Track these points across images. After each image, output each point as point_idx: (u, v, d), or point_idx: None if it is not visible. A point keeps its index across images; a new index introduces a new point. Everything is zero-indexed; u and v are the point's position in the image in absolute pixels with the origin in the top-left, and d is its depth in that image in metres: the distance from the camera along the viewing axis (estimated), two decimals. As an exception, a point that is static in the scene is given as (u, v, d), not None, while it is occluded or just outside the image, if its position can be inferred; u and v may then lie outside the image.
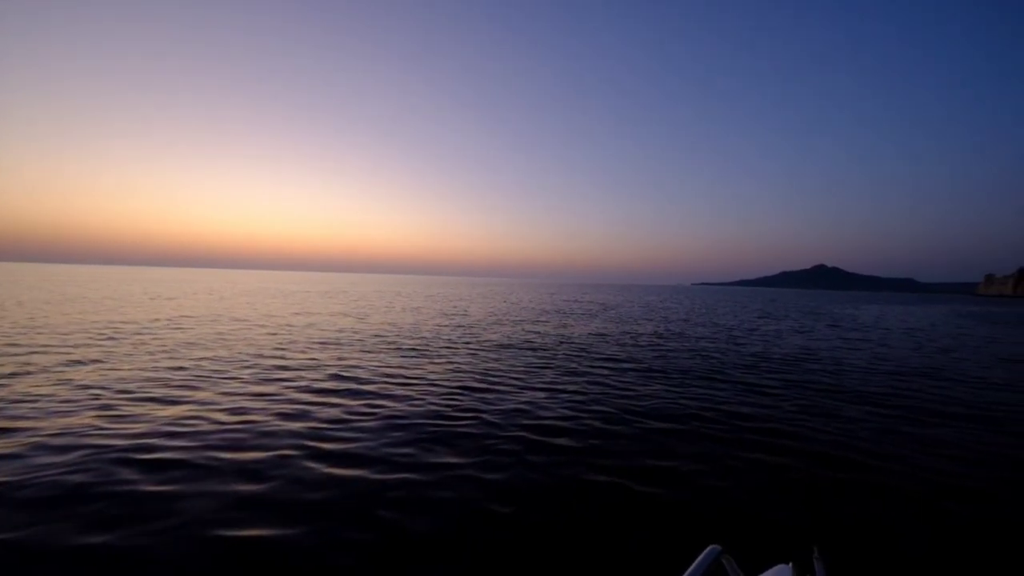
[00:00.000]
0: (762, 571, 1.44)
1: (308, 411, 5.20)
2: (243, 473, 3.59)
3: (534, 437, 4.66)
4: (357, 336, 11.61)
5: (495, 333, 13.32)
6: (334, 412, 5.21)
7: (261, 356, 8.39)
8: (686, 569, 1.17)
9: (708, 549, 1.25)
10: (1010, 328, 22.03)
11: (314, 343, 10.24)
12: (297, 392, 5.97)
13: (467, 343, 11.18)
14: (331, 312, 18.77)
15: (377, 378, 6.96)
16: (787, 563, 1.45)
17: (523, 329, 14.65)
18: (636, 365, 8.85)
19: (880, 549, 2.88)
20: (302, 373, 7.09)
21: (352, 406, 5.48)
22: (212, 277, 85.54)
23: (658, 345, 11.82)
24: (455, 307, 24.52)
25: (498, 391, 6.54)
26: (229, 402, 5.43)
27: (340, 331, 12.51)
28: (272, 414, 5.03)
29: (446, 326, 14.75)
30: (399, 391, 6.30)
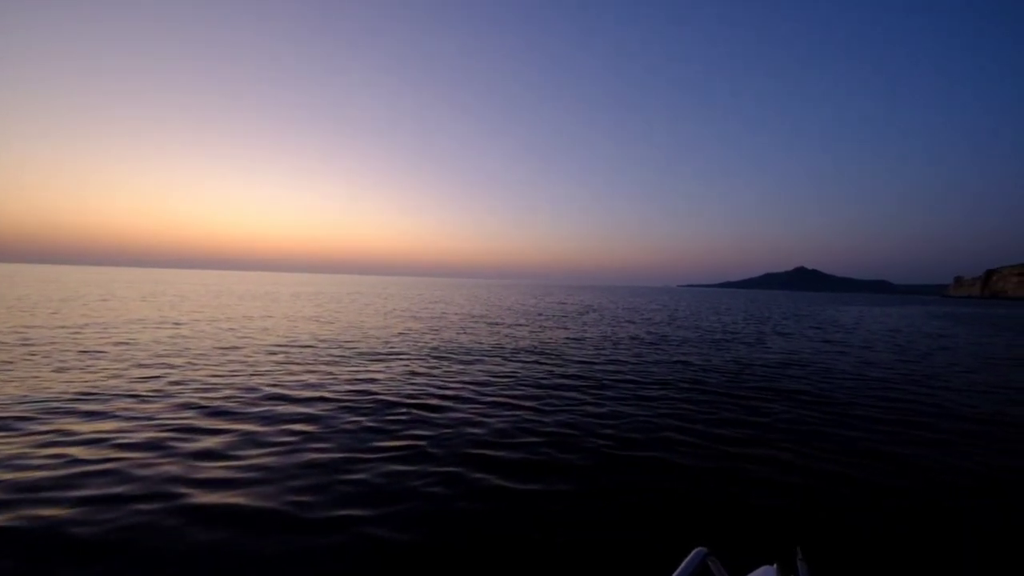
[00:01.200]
0: (747, 572, 1.42)
1: (199, 441, 4.22)
2: (57, 537, 2.63)
3: (475, 475, 3.80)
4: (308, 342, 10.56)
5: (467, 337, 12.43)
6: (232, 441, 4.25)
7: (181, 368, 7.32)
8: (673, 571, 1.18)
9: (694, 551, 1.24)
10: (984, 328, 22.18)
11: (254, 351, 9.17)
12: (198, 415, 4.96)
13: (434, 349, 10.27)
14: (290, 316, 17.59)
15: (309, 394, 5.99)
16: (771, 564, 1.42)
17: (498, 333, 13.78)
18: (610, 374, 8.07)
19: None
20: (218, 388, 6.06)
21: (261, 433, 4.53)
22: (194, 278, 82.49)
23: (638, 351, 11.10)
24: (433, 309, 23.53)
25: (448, 408, 5.66)
26: (107, 429, 4.41)
27: (290, 336, 11.42)
28: (151, 447, 4.04)
29: (414, 330, 13.79)
30: (329, 410, 5.36)
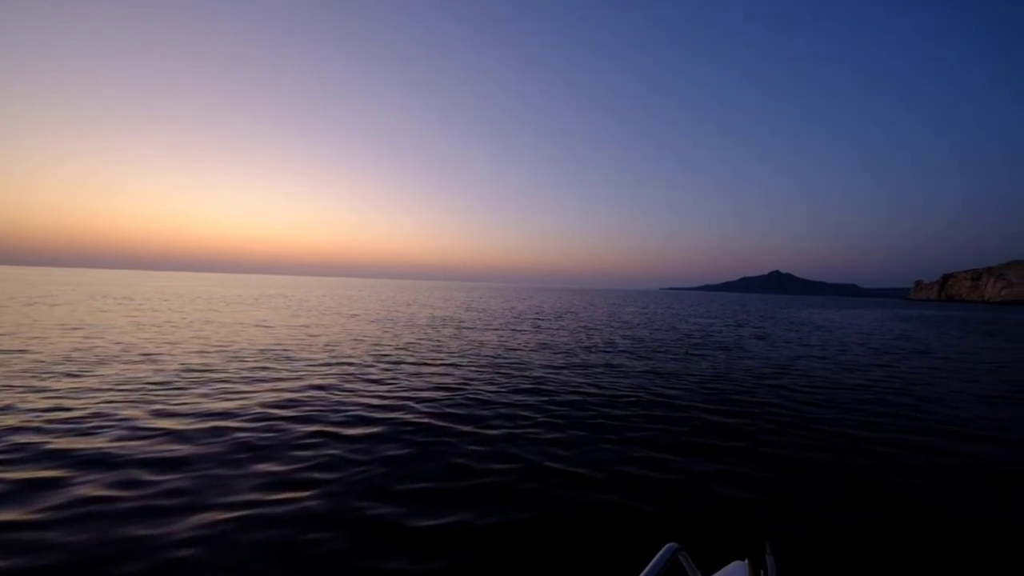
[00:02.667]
0: (718, 567, 1.42)
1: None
2: None
3: (363, 544, 2.76)
4: (237, 350, 9.24)
5: (425, 343, 11.31)
6: (16, 497, 3.06)
7: (43, 385, 5.97)
8: (644, 567, 1.17)
9: (665, 547, 1.23)
10: (950, 330, 22.48)
11: (160, 363, 7.82)
12: (16, 460, 3.73)
13: (382, 357, 9.14)
14: (236, 321, 16.07)
15: (188, 423, 4.78)
16: (742, 559, 1.41)
17: (462, 338, 12.72)
18: (574, 387, 7.13)
19: None
20: (67, 411, 4.76)
21: (75, 483, 3.34)
22: (166, 280, 78.17)
23: (609, 359, 10.23)
24: (401, 312, 22.26)
25: (369, 437, 4.59)
26: None
27: (220, 344, 10.06)
28: None
29: (369, 335, 12.57)
30: (207, 444, 4.20)
